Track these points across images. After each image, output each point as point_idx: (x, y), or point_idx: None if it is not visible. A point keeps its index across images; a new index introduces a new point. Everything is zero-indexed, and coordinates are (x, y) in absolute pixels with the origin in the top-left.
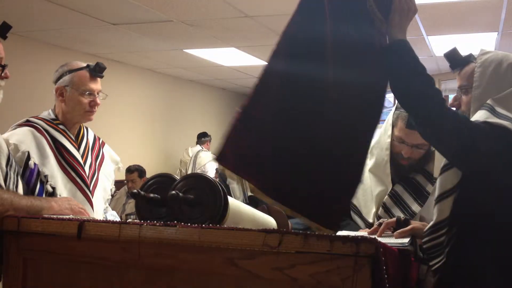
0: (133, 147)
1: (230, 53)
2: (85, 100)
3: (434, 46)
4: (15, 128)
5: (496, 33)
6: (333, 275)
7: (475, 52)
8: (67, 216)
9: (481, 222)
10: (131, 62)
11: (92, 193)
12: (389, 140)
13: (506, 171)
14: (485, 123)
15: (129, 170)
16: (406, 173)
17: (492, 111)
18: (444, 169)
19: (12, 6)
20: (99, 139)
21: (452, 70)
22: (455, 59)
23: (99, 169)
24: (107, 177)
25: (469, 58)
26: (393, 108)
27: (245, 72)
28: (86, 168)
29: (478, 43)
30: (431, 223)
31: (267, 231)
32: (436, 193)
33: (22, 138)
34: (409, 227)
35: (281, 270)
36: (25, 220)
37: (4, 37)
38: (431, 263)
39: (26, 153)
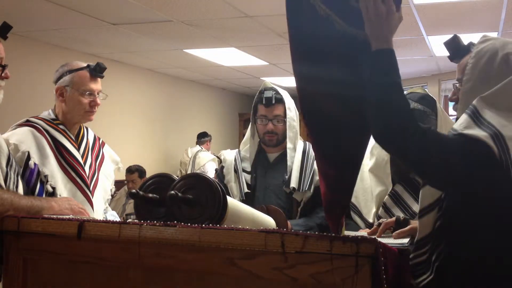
0: (133, 147)
1: (230, 53)
2: (85, 100)
3: (434, 46)
4: (15, 128)
5: (496, 33)
6: (333, 275)
7: None
8: (67, 216)
9: (470, 236)
10: (131, 62)
11: (92, 193)
12: None
13: (480, 186)
14: (460, 135)
15: (130, 170)
16: (406, 173)
17: (475, 117)
18: (424, 183)
19: (12, 6)
20: (99, 139)
21: (451, 61)
22: (454, 48)
23: (99, 169)
24: (107, 177)
25: (469, 47)
26: None
27: (245, 72)
28: (86, 168)
29: None
30: (415, 239)
31: (267, 231)
32: (418, 209)
33: (22, 138)
34: (407, 227)
35: (281, 270)
36: (25, 220)
37: (5, 37)
38: (417, 280)
39: (26, 153)
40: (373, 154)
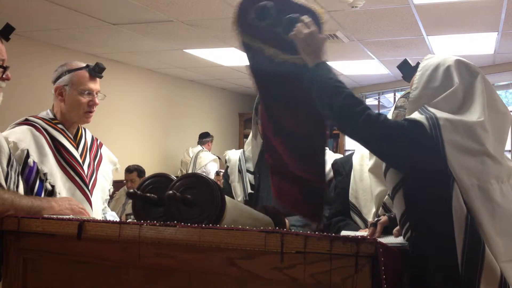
0: (133, 147)
1: (230, 53)
2: (84, 100)
3: (434, 46)
4: (14, 127)
5: (496, 33)
6: (333, 275)
7: (475, 52)
8: (67, 216)
9: (421, 216)
10: (131, 62)
11: (91, 192)
12: None
13: (420, 163)
14: (404, 119)
15: (128, 170)
16: None
17: (422, 110)
18: (386, 169)
19: (12, 6)
20: (96, 140)
21: (405, 80)
22: (406, 69)
23: (97, 169)
24: (105, 177)
25: (418, 67)
26: (392, 108)
27: (245, 72)
28: (85, 167)
29: (478, 43)
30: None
31: (267, 231)
32: (390, 191)
33: (21, 136)
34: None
35: (281, 270)
36: (25, 220)
37: (7, 39)
38: (405, 238)
39: (25, 151)
40: (373, 155)
